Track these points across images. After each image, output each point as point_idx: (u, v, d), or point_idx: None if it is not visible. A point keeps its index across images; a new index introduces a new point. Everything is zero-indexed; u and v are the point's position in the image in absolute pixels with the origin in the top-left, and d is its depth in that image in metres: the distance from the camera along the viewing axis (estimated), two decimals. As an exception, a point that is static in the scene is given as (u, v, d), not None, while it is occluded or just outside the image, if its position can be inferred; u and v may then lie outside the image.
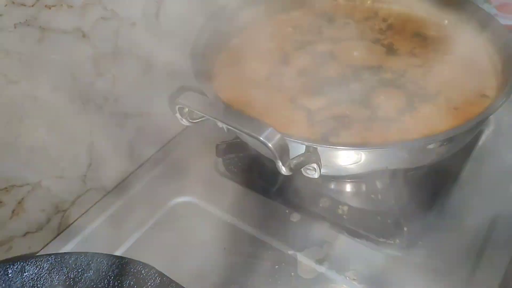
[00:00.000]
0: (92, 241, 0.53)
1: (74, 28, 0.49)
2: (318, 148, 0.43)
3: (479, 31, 0.60)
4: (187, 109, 0.43)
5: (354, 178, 0.55)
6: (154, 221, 0.55)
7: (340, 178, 0.56)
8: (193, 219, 0.55)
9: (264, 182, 0.58)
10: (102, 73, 0.54)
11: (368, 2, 0.68)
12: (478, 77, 0.55)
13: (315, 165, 0.43)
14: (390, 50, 0.60)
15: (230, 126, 0.40)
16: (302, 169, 0.43)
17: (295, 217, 0.54)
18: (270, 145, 0.38)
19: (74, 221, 0.56)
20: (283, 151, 0.39)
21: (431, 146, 0.46)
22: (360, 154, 0.45)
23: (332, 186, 0.57)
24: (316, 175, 0.44)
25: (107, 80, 0.55)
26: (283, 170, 0.40)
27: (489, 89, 0.53)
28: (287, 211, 0.55)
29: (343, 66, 0.57)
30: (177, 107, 0.42)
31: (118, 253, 0.51)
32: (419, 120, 0.50)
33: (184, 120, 0.44)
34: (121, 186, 0.60)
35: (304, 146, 0.43)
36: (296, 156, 0.42)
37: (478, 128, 0.57)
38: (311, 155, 0.43)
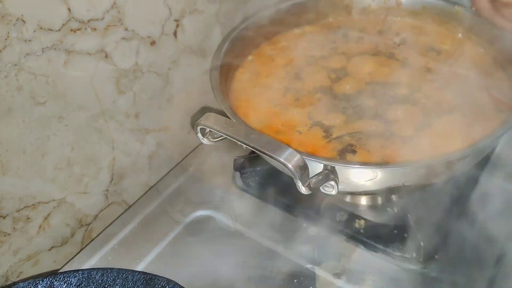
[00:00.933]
0: (114, 255, 0.54)
1: (97, 49, 0.50)
2: (336, 166, 0.44)
3: (492, 44, 0.60)
4: (208, 130, 0.44)
5: (371, 193, 0.56)
6: (174, 235, 0.56)
7: (356, 193, 0.57)
8: (212, 233, 0.56)
9: (281, 196, 0.59)
10: (123, 90, 0.56)
11: (382, 16, 0.69)
12: (493, 91, 0.55)
13: (333, 183, 0.44)
14: (405, 64, 0.60)
15: (250, 147, 0.41)
16: (320, 187, 0.44)
17: (313, 230, 0.55)
18: (290, 166, 0.39)
19: (97, 235, 0.57)
20: (303, 171, 0.40)
21: (447, 163, 0.46)
22: (376, 172, 0.46)
23: (349, 200, 0.58)
24: (333, 192, 0.45)
25: (128, 98, 0.56)
26: (303, 190, 0.41)
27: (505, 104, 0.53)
28: (305, 224, 0.56)
29: (359, 82, 0.58)
30: (199, 128, 0.44)
31: (139, 267, 0.53)
32: (435, 136, 0.50)
33: (205, 139, 0.45)
34: (141, 200, 0.61)
35: (323, 165, 0.44)
36: (315, 175, 0.43)
37: (495, 143, 0.58)
38: (329, 173, 0.44)
